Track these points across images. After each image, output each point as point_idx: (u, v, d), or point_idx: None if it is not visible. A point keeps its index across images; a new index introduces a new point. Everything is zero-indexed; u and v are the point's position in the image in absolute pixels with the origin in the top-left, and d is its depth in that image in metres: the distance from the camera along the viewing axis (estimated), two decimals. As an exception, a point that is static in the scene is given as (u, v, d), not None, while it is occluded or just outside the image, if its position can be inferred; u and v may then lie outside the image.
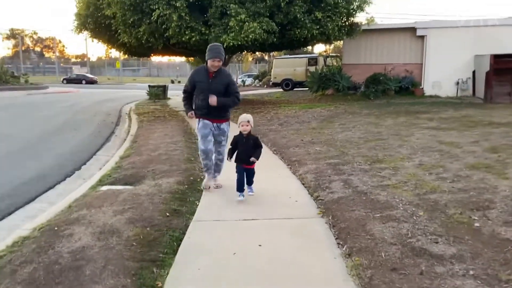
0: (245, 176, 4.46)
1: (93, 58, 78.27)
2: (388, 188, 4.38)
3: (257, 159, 4.43)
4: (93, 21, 12.72)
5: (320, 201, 4.28)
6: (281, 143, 7.60)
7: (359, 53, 16.70)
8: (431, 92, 15.69)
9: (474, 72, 15.36)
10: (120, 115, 15.05)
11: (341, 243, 3.22)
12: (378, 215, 3.63)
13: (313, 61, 24.49)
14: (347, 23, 13.93)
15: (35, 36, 79.59)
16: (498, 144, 6.15)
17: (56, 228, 3.58)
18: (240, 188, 4.43)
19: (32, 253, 3.08)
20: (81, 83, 45.07)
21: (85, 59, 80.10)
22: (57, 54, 72.82)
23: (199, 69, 4.77)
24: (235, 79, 19.96)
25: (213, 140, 4.73)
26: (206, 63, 4.59)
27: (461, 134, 7.11)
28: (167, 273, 2.82)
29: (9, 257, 3.06)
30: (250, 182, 4.56)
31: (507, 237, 2.99)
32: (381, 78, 15.39)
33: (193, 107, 4.78)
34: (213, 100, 4.48)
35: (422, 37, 15.89)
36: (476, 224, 3.27)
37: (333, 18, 12.74)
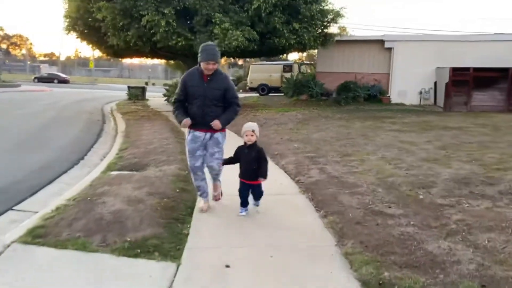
0: (251, 193, 4.05)
1: (62, 58, 76.90)
2: (355, 174, 5.40)
3: (265, 178, 3.95)
4: (83, 23, 13.33)
5: (301, 183, 5.24)
6: (263, 141, 8.52)
7: (332, 62, 17.91)
8: (397, 100, 17.04)
9: (435, 83, 16.82)
10: (104, 114, 15.64)
11: (318, 209, 4.18)
12: (347, 191, 4.62)
13: (288, 68, 25.64)
14: (322, 34, 15.08)
15: (1, 33, 77.43)
16: (447, 143, 7.32)
17: (88, 199, 4.39)
18: (243, 204, 4.03)
19: (78, 214, 3.89)
20: (53, 82, 44.56)
21: (54, 58, 78.90)
22: (24, 52, 71.34)
23: (191, 72, 4.09)
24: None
25: (203, 154, 4.11)
26: (199, 65, 3.98)
27: (419, 135, 8.28)
28: (189, 226, 3.72)
29: (59, 217, 3.86)
30: (256, 198, 4.15)
31: (440, 203, 4.04)
32: (351, 86, 16.59)
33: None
34: (216, 124, 3.92)
35: (389, 49, 17.27)
36: (420, 196, 4.32)
37: (309, 29, 13.84)
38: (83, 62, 74.26)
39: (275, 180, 5.43)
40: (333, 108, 15.05)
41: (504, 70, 14.90)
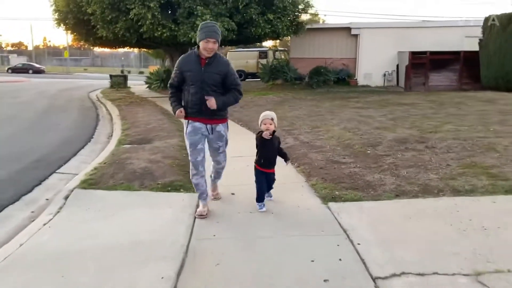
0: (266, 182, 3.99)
1: (30, 47, 75.42)
2: (321, 140, 6.88)
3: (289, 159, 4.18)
4: (73, 17, 14.28)
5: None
6: (245, 119, 9.92)
7: (304, 48, 19.36)
8: (363, 82, 18.69)
9: (397, 66, 18.52)
10: (93, 101, 16.66)
11: (293, 163, 5.62)
12: (315, 151, 6.09)
13: (263, 54, 26.94)
14: (294, 23, 16.46)
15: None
16: (397, 116, 8.90)
17: (117, 162, 5.70)
18: (260, 198, 3.90)
19: (115, 170, 5.22)
20: (27, 72, 44.44)
21: (22, 48, 77.26)
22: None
23: (187, 56, 3.75)
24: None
25: (205, 148, 3.85)
26: (198, 48, 3.67)
27: (376, 111, 9.84)
28: (200, 175, 5.10)
29: (101, 173, 5.18)
30: (270, 188, 4.11)
31: (380, 154, 5.56)
32: (322, 70, 18.10)
33: (182, 104, 3.80)
34: (212, 103, 3.60)
35: (356, 35, 18.84)
36: (368, 152, 5.83)
37: (282, 19, 15.22)
38: (53, 52, 73.36)
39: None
40: (306, 91, 16.52)
41: (457, 53, 16.70)
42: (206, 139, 3.85)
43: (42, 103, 14.75)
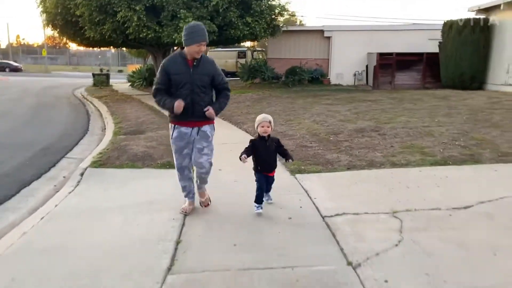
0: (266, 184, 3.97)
1: (3, 45, 74.25)
2: (293, 130, 8.00)
3: (293, 159, 4.17)
4: (61, 18, 15.02)
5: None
6: (227, 114, 10.95)
7: (281, 49, 20.51)
8: (336, 82, 19.97)
9: (367, 66, 19.87)
10: (79, 99, 17.39)
11: (269, 148, 6.71)
12: (287, 138, 7.20)
13: (242, 54, 28.02)
14: (270, 25, 17.57)
15: None
16: (361, 110, 10.11)
17: (119, 148, 6.67)
18: (259, 200, 3.84)
19: (119, 153, 6.20)
20: (4, 70, 44.13)
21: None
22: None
23: (173, 57, 3.69)
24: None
25: (191, 153, 3.80)
26: (182, 48, 3.68)
27: (343, 106, 11.04)
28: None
29: (107, 155, 6.15)
30: (269, 189, 4.07)
31: (340, 140, 6.72)
32: (297, 70, 19.27)
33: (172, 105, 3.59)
34: (211, 113, 3.65)
35: (328, 37, 20.11)
36: (331, 138, 6.98)
37: (260, 22, 16.30)
38: (27, 50, 72.51)
39: (243, 137, 7.94)
40: (282, 89, 17.65)
41: (420, 55, 18.13)
42: (190, 144, 3.78)
43: (30, 101, 15.43)
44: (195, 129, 3.72)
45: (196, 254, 3.10)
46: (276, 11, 17.07)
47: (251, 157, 3.85)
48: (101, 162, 5.85)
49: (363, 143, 6.45)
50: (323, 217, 3.73)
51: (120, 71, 47.95)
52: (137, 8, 13.99)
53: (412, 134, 6.87)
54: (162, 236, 3.38)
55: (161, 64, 3.72)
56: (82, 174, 5.43)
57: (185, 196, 4.01)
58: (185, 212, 3.88)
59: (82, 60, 72.56)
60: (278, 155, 4.07)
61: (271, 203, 4.09)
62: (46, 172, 5.88)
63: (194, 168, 3.94)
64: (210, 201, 4.15)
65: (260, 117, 3.89)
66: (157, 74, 3.70)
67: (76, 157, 6.85)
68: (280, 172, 5.24)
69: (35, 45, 77.88)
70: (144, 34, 14.64)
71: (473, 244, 3.06)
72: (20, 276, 2.86)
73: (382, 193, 4.30)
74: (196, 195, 4.09)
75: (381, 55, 18.19)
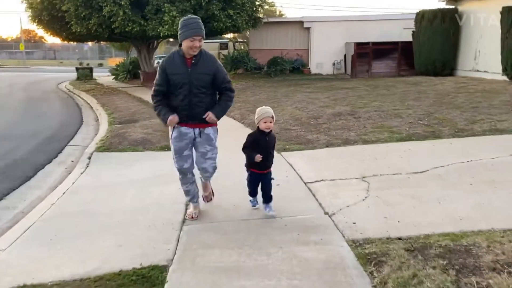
0: (261, 185, 3.64)
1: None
2: (278, 116, 8.66)
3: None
4: (47, 14, 15.32)
5: (243, 122, 8.46)
6: (213, 103, 11.62)
7: (262, 40, 21.14)
8: (316, 71, 20.75)
9: (345, 56, 20.68)
10: (66, 93, 17.74)
11: (256, 131, 7.43)
12: (272, 123, 7.91)
13: (224, 45, 28.47)
14: (252, 17, 18.17)
15: None
16: (338, 97, 10.91)
17: (118, 135, 7.28)
18: (253, 193, 3.71)
19: (120, 139, 6.82)
20: (-18, 66, 43.59)
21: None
22: None
23: (171, 57, 3.48)
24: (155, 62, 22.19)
25: (192, 154, 3.60)
26: (180, 46, 3.43)
27: (322, 94, 11.82)
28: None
29: (109, 141, 6.76)
30: (268, 198, 3.64)
31: (320, 123, 7.49)
32: (279, 60, 19.97)
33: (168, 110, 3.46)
34: (212, 119, 3.45)
35: (308, 28, 20.82)
36: (311, 122, 7.73)
37: (241, 14, 16.89)
38: (1, 44, 71.19)
39: (232, 125, 8.63)
40: (265, 79, 18.35)
41: (395, 44, 19.02)
42: (192, 146, 3.56)
43: (20, 95, 15.76)
44: (197, 130, 3.49)
45: (204, 212, 3.80)
46: (257, 3, 17.66)
47: (245, 153, 3.60)
48: (105, 148, 6.48)
49: (340, 125, 7.22)
50: (305, 183, 4.48)
51: (101, 64, 47.75)
52: (122, 2, 14.42)
53: (383, 116, 7.68)
54: (173, 200, 4.09)
55: (160, 64, 3.54)
56: (89, 158, 6.06)
57: (189, 201, 3.77)
58: (192, 218, 3.64)
59: (59, 54, 71.57)
60: None
61: (273, 214, 3.58)
62: (54, 158, 6.47)
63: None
64: (213, 195, 3.97)
65: (261, 111, 3.58)
66: (157, 74, 3.50)
67: (79, 144, 7.44)
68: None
69: (9, 39, 76.61)
70: (130, 28, 15.09)
71: (424, 197, 3.85)
72: (61, 231, 3.52)
73: (354, 164, 5.06)
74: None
75: (358, 45, 19.00)
